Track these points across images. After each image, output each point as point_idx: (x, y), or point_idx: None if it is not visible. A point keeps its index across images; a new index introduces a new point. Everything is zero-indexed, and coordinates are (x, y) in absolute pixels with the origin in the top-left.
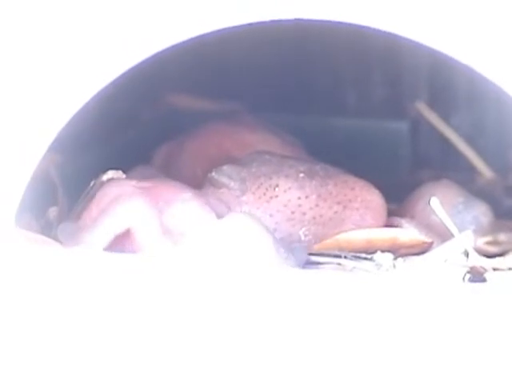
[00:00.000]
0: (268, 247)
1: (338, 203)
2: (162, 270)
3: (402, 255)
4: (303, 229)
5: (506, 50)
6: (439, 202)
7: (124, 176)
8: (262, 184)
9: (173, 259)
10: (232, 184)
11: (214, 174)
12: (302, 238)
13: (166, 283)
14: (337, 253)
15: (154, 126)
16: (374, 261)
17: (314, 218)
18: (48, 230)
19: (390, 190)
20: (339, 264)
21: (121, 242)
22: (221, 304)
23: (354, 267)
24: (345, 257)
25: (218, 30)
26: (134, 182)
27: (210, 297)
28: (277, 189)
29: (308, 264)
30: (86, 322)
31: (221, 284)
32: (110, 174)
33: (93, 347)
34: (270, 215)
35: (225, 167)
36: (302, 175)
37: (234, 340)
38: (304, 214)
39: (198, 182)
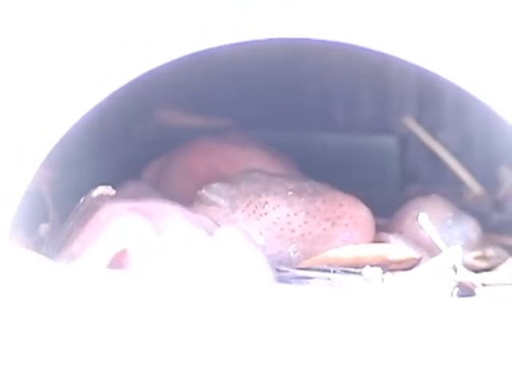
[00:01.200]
0: (261, 262)
1: (327, 220)
2: (158, 287)
3: (391, 270)
4: (292, 246)
5: (491, 68)
6: (427, 218)
7: (114, 192)
8: (251, 202)
9: (167, 276)
10: (222, 202)
11: (203, 191)
12: (291, 254)
13: (161, 298)
14: (325, 267)
15: (145, 142)
16: (362, 275)
17: (303, 235)
18: (40, 246)
19: (379, 205)
20: (328, 279)
21: (118, 260)
22: (215, 319)
23: (343, 281)
24: (334, 271)
25: (209, 49)
26: (126, 204)
27: (205, 312)
28: (266, 206)
29: (297, 279)
30: (74, 338)
31: (216, 300)
32: (100, 189)
33: (87, 359)
34: (260, 233)
35: (214, 185)
36: (290, 193)
37: (230, 352)
38: (293, 231)
39: (188, 198)
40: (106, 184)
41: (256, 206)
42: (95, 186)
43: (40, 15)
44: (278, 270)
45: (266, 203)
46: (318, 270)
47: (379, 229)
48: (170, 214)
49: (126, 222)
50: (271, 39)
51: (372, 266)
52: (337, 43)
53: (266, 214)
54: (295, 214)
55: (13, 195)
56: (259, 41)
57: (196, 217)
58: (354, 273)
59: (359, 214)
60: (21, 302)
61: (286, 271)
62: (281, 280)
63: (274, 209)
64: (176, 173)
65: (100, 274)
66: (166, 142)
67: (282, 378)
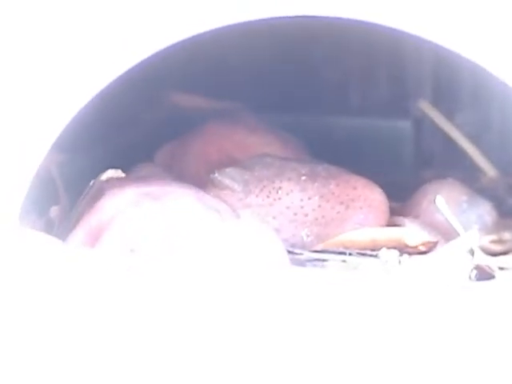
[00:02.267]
0: (276, 245)
1: (341, 203)
2: (170, 271)
3: (407, 253)
4: (306, 230)
5: (510, 46)
6: (444, 201)
7: (123, 175)
8: (265, 187)
9: (180, 260)
10: (236, 186)
11: (217, 175)
12: (305, 238)
13: (172, 284)
14: (341, 250)
15: (156, 125)
16: (379, 258)
17: (317, 218)
18: (50, 228)
19: (394, 189)
20: (344, 261)
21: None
22: (229, 303)
23: (359, 264)
24: (349, 254)
25: (218, 29)
26: (136, 190)
27: (220, 297)
28: (280, 191)
29: (312, 261)
30: (87, 320)
31: (230, 284)
32: (110, 173)
33: (93, 346)
34: (273, 217)
35: (228, 169)
36: (304, 178)
37: (244, 335)
38: (306, 215)
39: (201, 182)
40: (116, 167)
41: (270, 191)
42: (105, 169)
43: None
44: (292, 253)
45: (280, 188)
46: (334, 252)
47: (394, 212)
48: (183, 197)
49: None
50: (282, 17)
51: (388, 248)
52: (352, 21)
53: (279, 198)
54: (309, 199)
55: (23, 178)
56: (269, 19)
57: (211, 200)
58: (370, 255)
59: (373, 197)
60: (31, 283)
61: (301, 254)
62: (295, 262)
63: (288, 194)
64: (188, 156)
65: (111, 258)
66: (177, 125)
67: (297, 361)
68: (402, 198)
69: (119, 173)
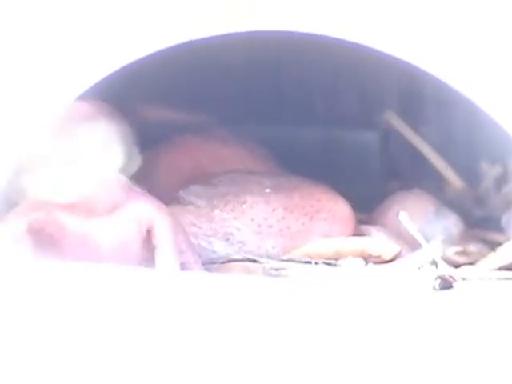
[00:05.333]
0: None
1: (305, 214)
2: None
3: (372, 262)
4: (271, 241)
5: (475, 61)
6: (408, 215)
7: None
8: (229, 201)
9: None
10: (199, 202)
11: (181, 193)
12: (270, 250)
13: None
14: (307, 259)
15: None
16: (343, 267)
17: (282, 230)
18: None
19: (361, 200)
20: (308, 271)
21: None
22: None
23: (324, 273)
24: (315, 263)
25: (189, 42)
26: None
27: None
28: (244, 205)
29: (277, 270)
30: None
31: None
32: None
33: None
34: (238, 229)
35: (192, 187)
36: (268, 190)
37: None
38: (271, 226)
39: (172, 195)
40: None
41: (234, 205)
42: None
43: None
44: (257, 262)
45: (244, 202)
46: (299, 261)
47: (361, 223)
48: None
49: None
50: (253, 32)
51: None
52: (319, 36)
53: (243, 212)
54: (273, 210)
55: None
56: (241, 34)
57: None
58: (335, 265)
59: (338, 208)
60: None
61: (267, 262)
62: (261, 271)
63: (252, 207)
64: (161, 169)
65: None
66: (148, 137)
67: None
68: (368, 209)
69: None
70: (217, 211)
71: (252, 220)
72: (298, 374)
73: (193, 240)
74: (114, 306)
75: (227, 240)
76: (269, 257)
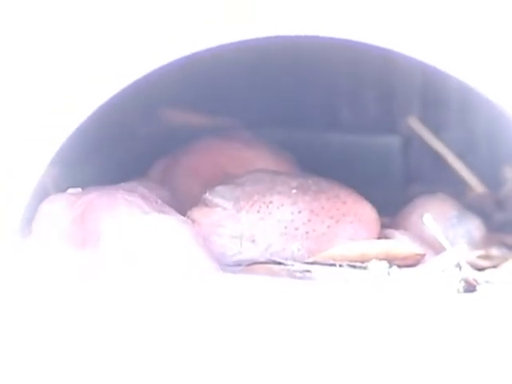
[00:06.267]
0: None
1: (331, 217)
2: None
3: (397, 266)
4: (296, 243)
5: (499, 65)
6: (432, 218)
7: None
8: (255, 202)
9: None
10: (226, 204)
11: (207, 195)
12: (296, 252)
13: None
14: (331, 262)
15: (151, 140)
16: (368, 269)
17: (307, 232)
18: None
19: (383, 204)
20: (333, 273)
21: None
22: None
23: (349, 276)
24: (340, 265)
25: (213, 47)
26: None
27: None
28: (270, 205)
29: (302, 272)
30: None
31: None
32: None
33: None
34: (264, 231)
35: (218, 188)
36: (294, 191)
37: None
38: (297, 229)
39: (194, 198)
40: (110, 181)
41: (260, 206)
42: (100, 184)
43: (46, 15)
44: (282, 264)
45: (271, 202)
46: (324, 264)
47: (385, 226)
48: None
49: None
50: (275, 37)
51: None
52: (343, 40)
53: (270, 213)
54: (299, 212)
55: (22, 194)
56: (264, 39)
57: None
58: (360, 267)
59: (364, 211)
60: (30, 293)
61: (292, 265)
62: (285, 274)
63: (278, 208)
64: (182, 172)
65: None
66: (172, 141)
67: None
68: (390, 213)
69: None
70: (243, 212)
71: (278, 221)
72: (318, 374)
73: (218, 240)
74: (143, 310)
75: (253, 241)
76: (294, 259)
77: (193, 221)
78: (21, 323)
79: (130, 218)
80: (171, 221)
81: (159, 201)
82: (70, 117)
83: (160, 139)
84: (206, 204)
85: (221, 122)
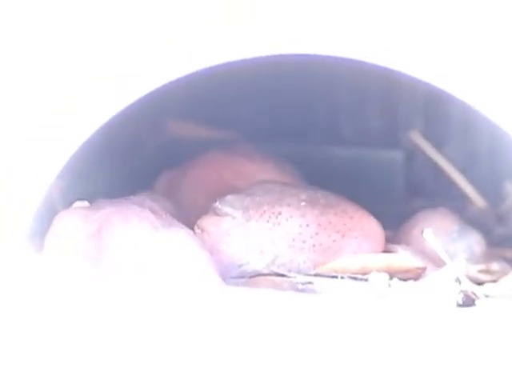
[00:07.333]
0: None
1: (337, 232)
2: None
3: (398, 278)
4: (303, 256)
5: (497, 83)
6: (432, 233)
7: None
8: (265, 212)
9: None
10: (235, 213)
11: (217, 204)
12: (302, 264)
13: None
14: (333, 274)
15: (157, 154)
16: (369, 281)
17: (314, 245)
18: None
19: (385, 218)
20: (335, 285)
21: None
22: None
23: (350, 288)
24: (341, 277)
25: (218, 65)
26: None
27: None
28: (279, 217)
29: (304, 284)
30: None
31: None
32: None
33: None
34: (272, 242)
35: (228, 197)
36: (303, 203)
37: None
38: (304, 241)
39: (199, 210)
40: (117, 194)
41: (269, 216)
42: (106, 196)
43: (57, 27)
44: (285, 276)
45: (280, 213)
46: (326, 276)
47: (387, 240)
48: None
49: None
50: (280, 55)
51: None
52: (344, 59)
53: (279, 224)
54: (307, 225)
55: (30, 205)
56: (268, 56)
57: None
58: (361, 279)
59: (369, 227)
60: (36, 307)
61: (294, 277)
62: (288, 286)
63: (287, 219)
64: (188, 184)
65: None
66: (177, 154)
67: None
68: (392, 227)
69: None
70: (252, 221)
71: (287, 233)
72: None
73: (227, 249)
74: (148, 317)
75: (261, 252)
76: (300, 271)
77: (202, 230)
78: (33, 336)
79: (142, 234)
80: (180, 236)
81: (167, 214)
82: (79, 130)
83: (166, 152)
84: (215, 213)
85: (225, 135)
